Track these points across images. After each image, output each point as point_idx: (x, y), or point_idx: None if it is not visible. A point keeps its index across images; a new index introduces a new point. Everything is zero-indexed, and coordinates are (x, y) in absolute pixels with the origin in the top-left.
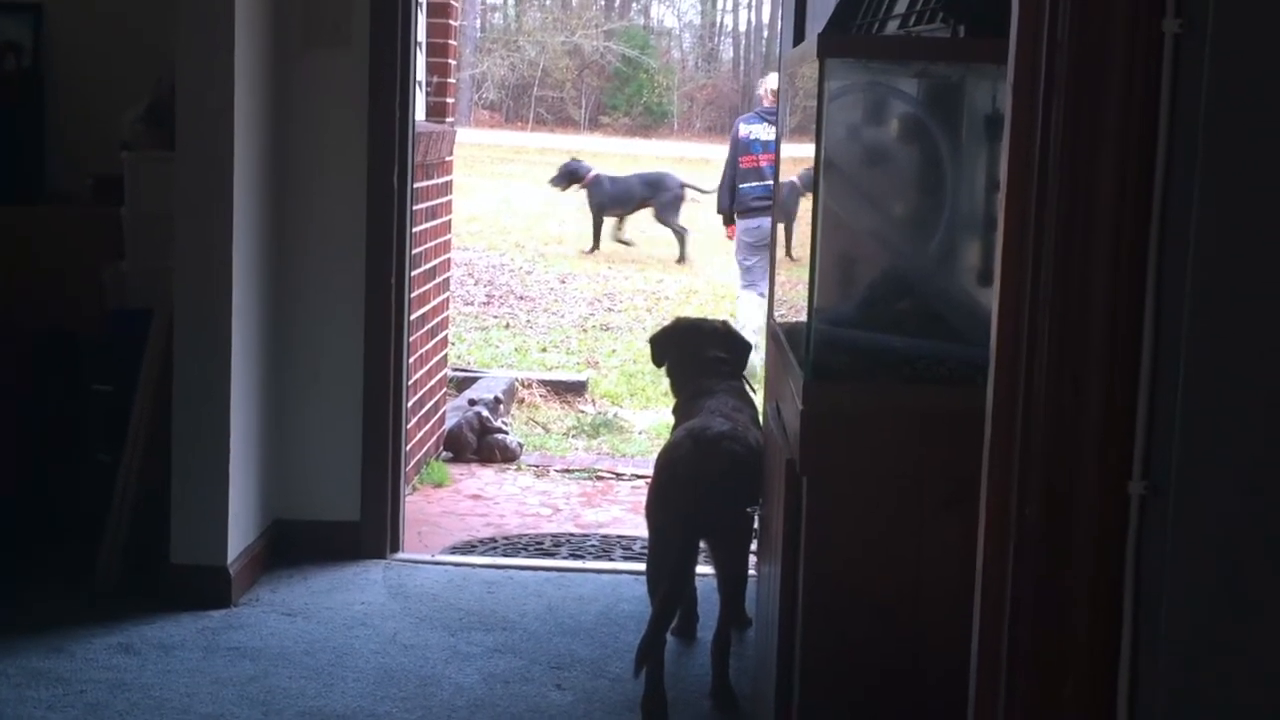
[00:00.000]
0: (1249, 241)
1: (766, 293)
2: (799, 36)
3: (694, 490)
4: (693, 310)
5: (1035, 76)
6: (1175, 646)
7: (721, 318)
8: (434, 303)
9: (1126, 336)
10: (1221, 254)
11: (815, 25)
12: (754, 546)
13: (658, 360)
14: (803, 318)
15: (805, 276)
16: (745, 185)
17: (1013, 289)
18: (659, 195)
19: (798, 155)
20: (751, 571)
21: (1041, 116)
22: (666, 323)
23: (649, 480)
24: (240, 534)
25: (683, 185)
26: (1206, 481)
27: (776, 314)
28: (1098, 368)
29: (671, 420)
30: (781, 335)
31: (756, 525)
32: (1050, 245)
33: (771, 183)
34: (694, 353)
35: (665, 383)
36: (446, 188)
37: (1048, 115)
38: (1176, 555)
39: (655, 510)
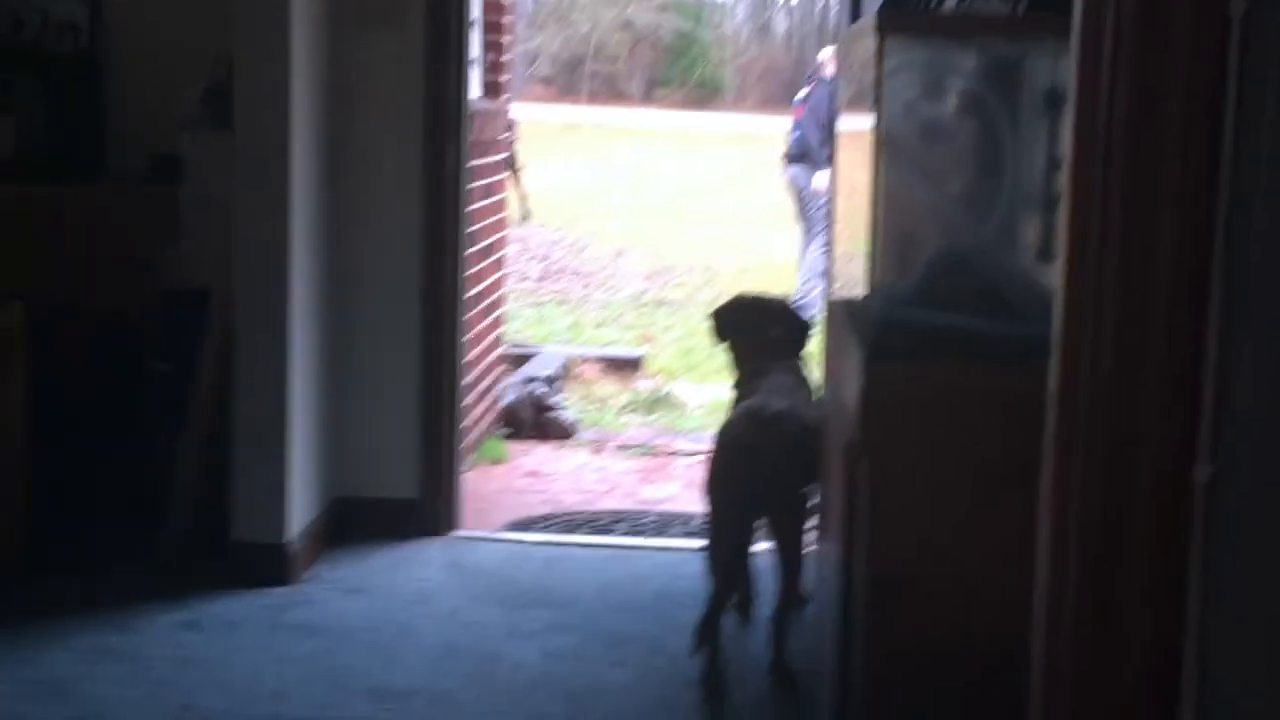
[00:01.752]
0: None
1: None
2: (855, 10)
3: (751, 469)
4: (749, 286)
5: (1099, 58)
6: (1243, 638)
7: (781, 295)
8: (489, 280)
9: (1192, 316)
10: None
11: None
12: (812, 524)
13: (718, 336)
14: (860, 294)
15: (864, 253)
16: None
17: (1077, 270)
18: None
19: (854, 129)
20: (809, 550)
21: (1106, 97)
22: (728, 298)
23: (706, 458)
24: (300, 512)
25: None
26: (1274, 465)
27: (836, 291)
28: (1162, 348)
29: (728, 396)
30: (841, 312)
31: (815, 503)
32: (1115, 226)
33: (797, 134)
34: (754, 330)
35: (721, 358)
36: (500, 165)
37: (1112, 96)
38: (1245, 542)
39: (713, 488)
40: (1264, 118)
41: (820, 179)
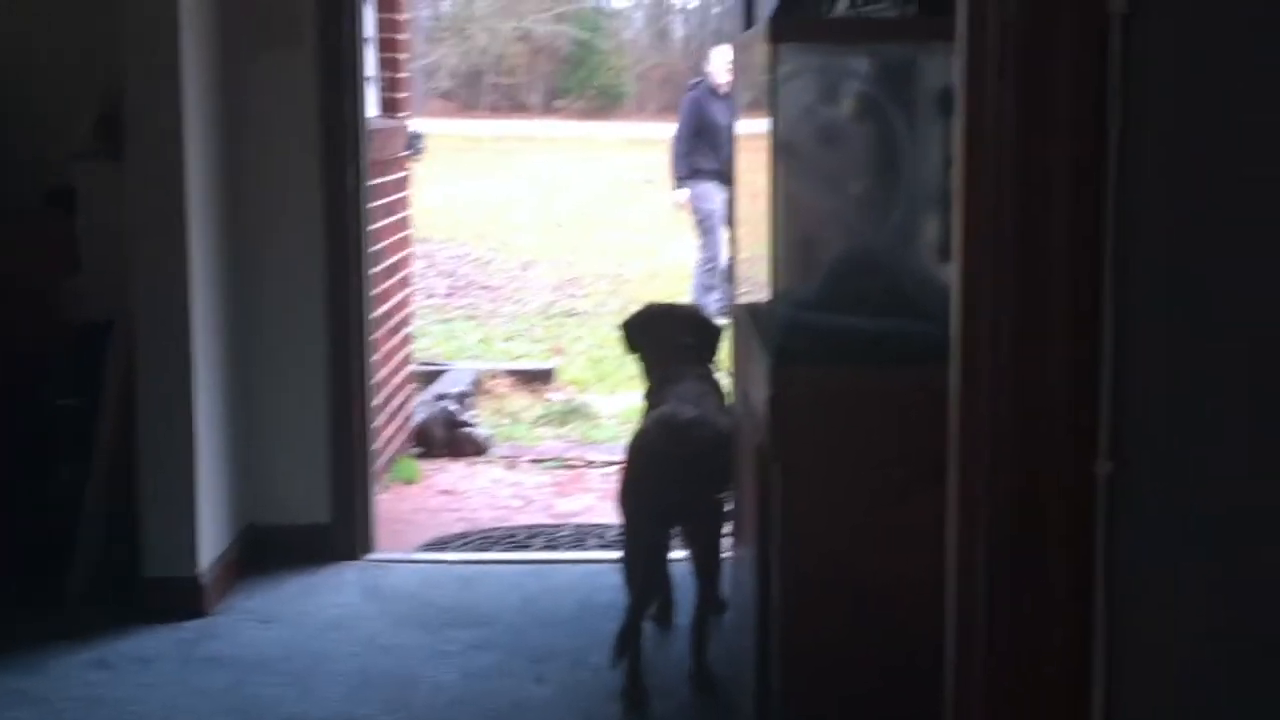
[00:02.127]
0: (1201, 211)
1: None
2: (748, 14)
3: (664, 477)
4: (657, 292)
5: (984, 59)
6: (1148, 626)
7: (692, 303)
8: (396, 299)
9: (1088, 311)
10: (1175, 225)
11: (765, 2)
12: (727, 530)
13: (630, 347)
14: (764, 299)
15: (766, 256)
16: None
17: (973, 269)
18: None
19: (752, 132)
20: (725, 556)
21: (993, 96)
22: (638, 308)
23: (620, 468)
24: (211, 543)
25: None
26: (1174, 457)
27: (740, 296)
28: (1061, 344)
29: (641, 405)
30: (745, 317)
31: (729, 509)
32: (1007, 223)
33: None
34: (664, 339)
35: (633, 367)
36: (403, 183)
37: (999, 95)
38: (1145, 533)
39: (627, 498)
40: (1146, 113)
41: (681, 193)
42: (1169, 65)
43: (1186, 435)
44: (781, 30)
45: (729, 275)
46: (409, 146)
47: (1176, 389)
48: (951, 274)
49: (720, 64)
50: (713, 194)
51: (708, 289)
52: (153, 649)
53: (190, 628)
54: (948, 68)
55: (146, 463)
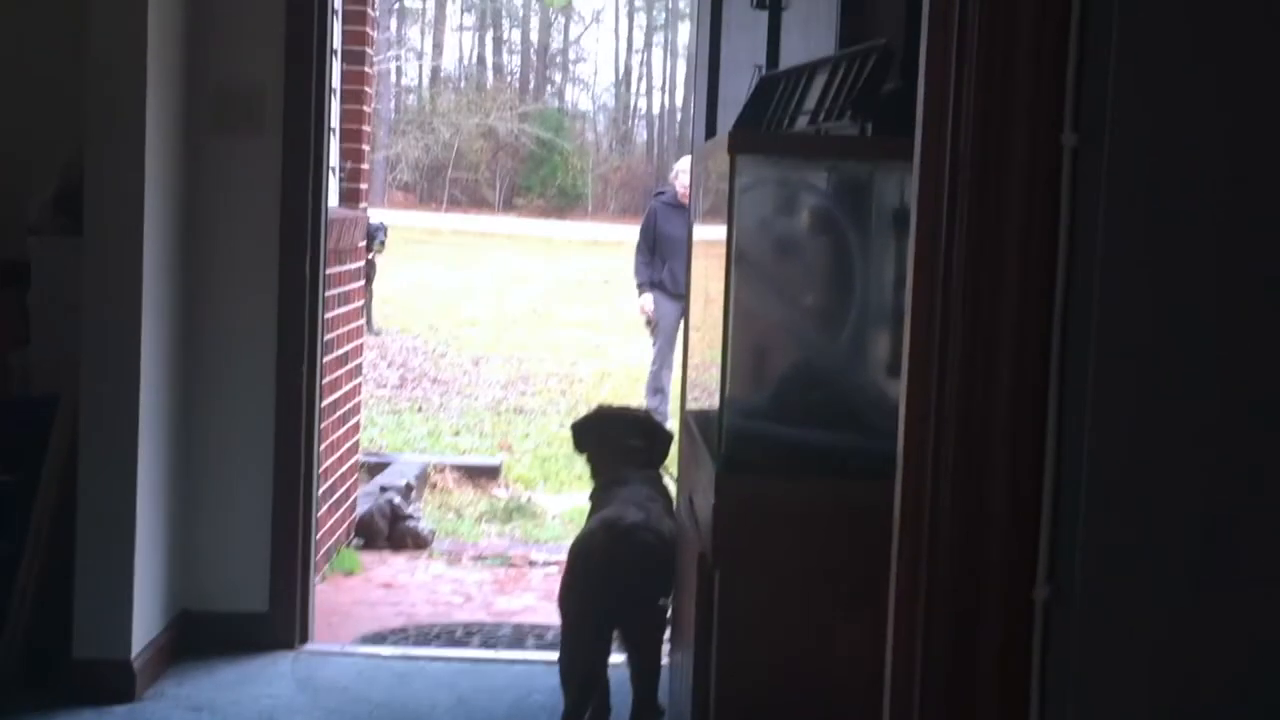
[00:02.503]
0: (1149, 339)
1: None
2: (711, 126)
3: (607, 580)
4: (608, 393)
5: (939, 184)
6: None
7: (643, 406)
8: (346, 388)
9: (1030, 439)
10: (1122, 357)
11: (727, 113)
12: (666, 636)
13: (578, 448)
14: (714, 405)
15: (717, 363)
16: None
17: (918, 392)
18: None
19: (709, 239)
20: (664, 661)
21: (946, 222)
22: (588, 410)
23: (562, 569)
24: (145, 626)
25: None
26: (1111, 586)
27: (690, 401)
28: (1002, 470)
29: (586, 506)
30: (693, 424)
31: (669, 615)
32: (955, 345)
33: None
34: (613, 441)
35: (580, 467)
36: (358, 273)
37: (951, 221)
38: (1080, 656)
39: (568, 600)
40: (1095, 241)
41: (646, 300)
42: (1119, 196)
43: (1126, 563)
44: (742, 142)
45: (653, 388)
46: (370, 238)
47: (1117, 516)
48: (899, 390)
49: (686, 174)
50: (662, 303)
51: (657, 391)
52: None
53: (119, 713)
54: (903, 187)
55: (83, 541)
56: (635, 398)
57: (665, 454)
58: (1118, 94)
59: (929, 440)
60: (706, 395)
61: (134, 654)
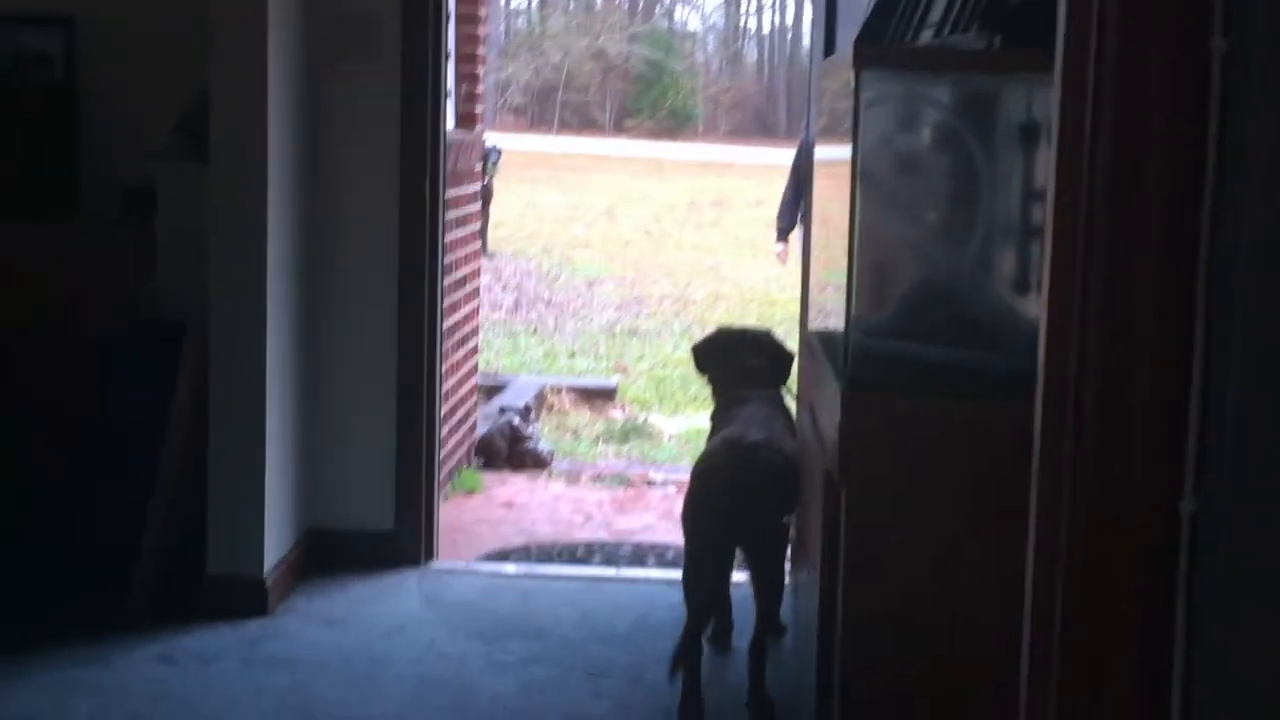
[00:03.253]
0: None
1: None
2: (829, 43)
3: (730, 498)
4: (722, 315)
5: (1082, 93)
6: (1228, 672)
7: (764, 326)
8: (465, 310)
9: (1176, 352)
10: (1271, 268)
11: (845, 30)
12: (789, 554)
13: (699, 369)
14: (838, 325)
15: (840, 283)
16: None
17: (1060, 306)
18: None
19: (831, 159)
20: (787, 579)
21: (1089, 132)
22: (708, 332)
23: (685, 488)
24: (276, 544)
25: None
26: (1261, 499)
27: (811, 321)
28: (1147, 383)
29: (702, 427)
30: (817, 343)
31: (792, 533)
32: (1098, 259)
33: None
34: (734, 361)
35: (694, 388)
36: (475, 196)
37: (1095, 133)
38: (1228, 575)
39: (691, 518)
40: (1246, 153)
41: (782, 250)
42: (1270, 105)
43: (1275, 477)
44: (866, 57)
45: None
46: (486, 160)
47: (1266, 427)
48: (1028, 307)
49: None
50: None
51: None
52: (215, 647)
53: (252, 627)
54: (1031, 100)
55: (215, 463)
56: (749, 318)
57: (787, 373)
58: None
59: (1070, 352)
60: (828, 316)
61: (266, 570)
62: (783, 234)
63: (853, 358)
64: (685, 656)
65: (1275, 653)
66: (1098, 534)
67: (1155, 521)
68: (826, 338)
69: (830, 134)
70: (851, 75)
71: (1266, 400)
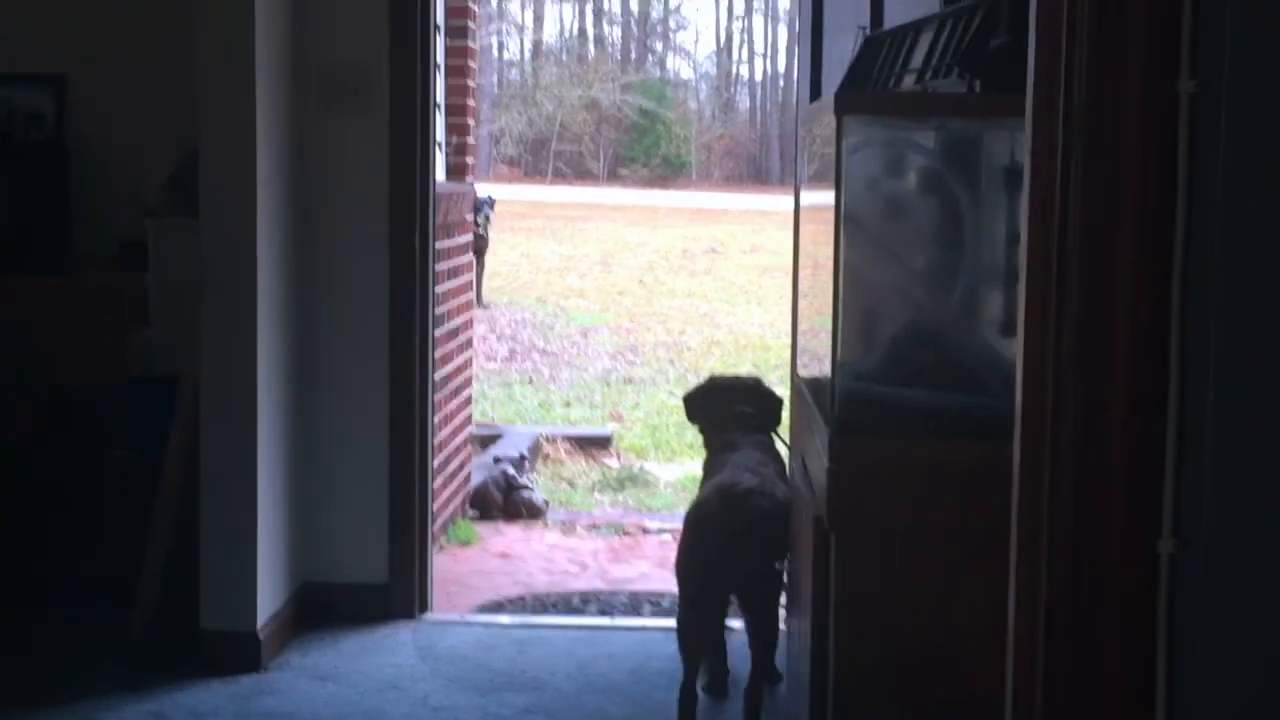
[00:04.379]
0: (1269, 294)
1: None
2: (815, 89)
3: (723, 545)
4: (716, 362)
5: (1053, 136)
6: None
7: (754, 375)
8: (457, 361)
9: (1152, 391)
10: (1243, 306)
11: (831, 78)
12: (783, 600)
13: (690, 418)
14: (826, 370)
15: (828, 328)
16: None
17: (1036, 346)
18: None
19: (816, 204)
20: (782, 626)
21: (1060, 175)
22: (700, 380)
23: (678, 536)
24: (269, 598)
25: None
26: (1238, 538)
27: (800, 366)
28: (1123, 422)
29: (698, 474)
30: (805, 388)
31: (785, 579)
32: (1073, 302)
33: None
34: (724, 408)
35: (690, 435)
36: (467, 247)
37: (1066, 175)
38: (1209, 613)
39: (685, 566)
40: (1215, 191)
41: None
42: (1238, 145)
43: (1252, 515)
44: (848, 103)
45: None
46: (477, 211)
47: (1243, 467)
48: (1013, 349)
49: None
50: None
51: None
52: (208, 703)
53: (246, 682)
54: (1013, 144)
55: (208, 516)
56: (744, 366)
57: (777, 419)
58: (1236, 38)
59: (1048, 392)
60: (817, 361)
61: (259, 625)
62: None
63: (839, 402)
64: (684, 704)
65: (1254, 688)
66: (1077, 574)
67: (1134, 561)
68: (815, 384)
69: (814, 179)
70: (834, 120)
71: (1242, 438)
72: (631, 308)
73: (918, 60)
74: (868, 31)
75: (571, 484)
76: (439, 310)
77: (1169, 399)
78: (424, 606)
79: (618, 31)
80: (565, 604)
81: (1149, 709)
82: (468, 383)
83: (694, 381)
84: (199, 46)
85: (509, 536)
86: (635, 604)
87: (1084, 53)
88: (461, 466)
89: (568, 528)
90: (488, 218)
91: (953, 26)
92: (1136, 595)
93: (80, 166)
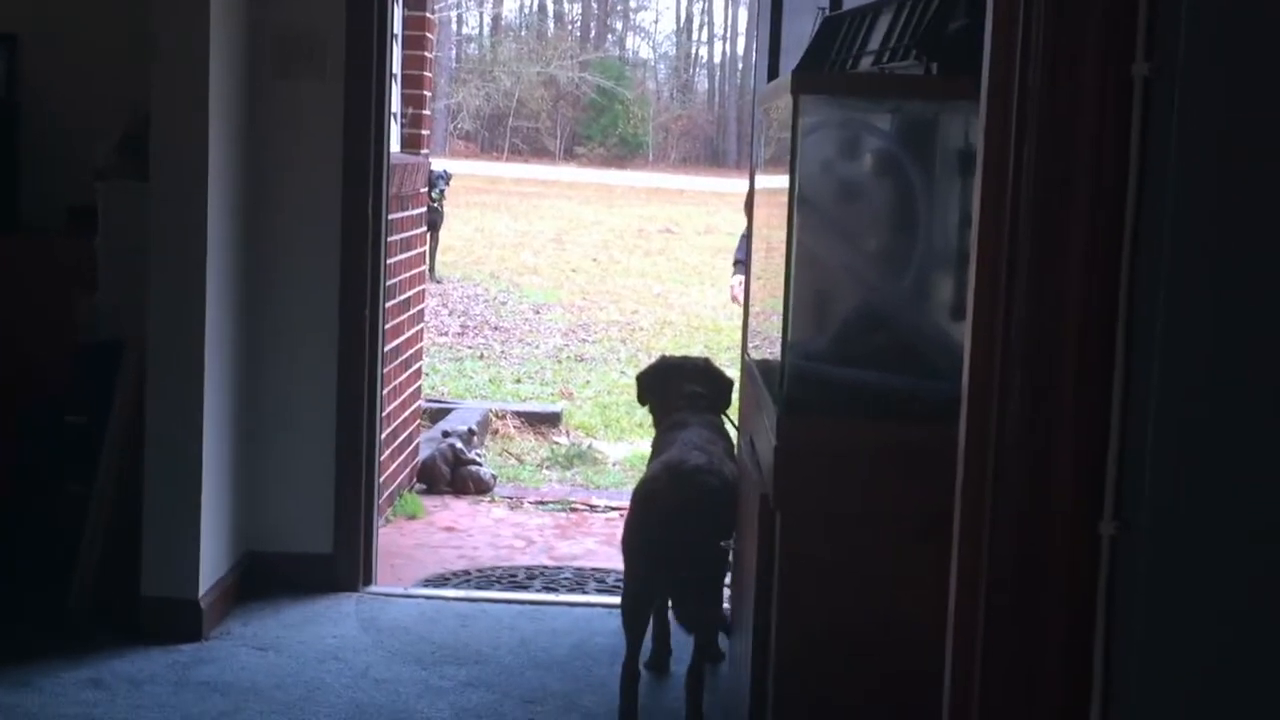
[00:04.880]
0: (1219, 280)
1: None
2: (773, 70)
3: (670, 523)
4: (668, 342)
5: (1007, 119)
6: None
7: (704, 355)
8: (408, 334)
9: (1098, 375)
10: (1192, 292)
11: (789, 59)
12: (728, 579)
13: (642, 398)
14: (776, 352)
15: (779, 310)
16: None
17: (985, 328)
18: None
19: (771, 186)
20: (725, 604)
21: (1014, 158)
22: (652, 361)
23: (625, 513)
24: (212, 566)
25: None
26: (1179, 519)
27: (750, 347)
28: (1069, 405)
29: (646, 453)
30: (755, 369)
31: (731, 558)
32: (1022, 285)
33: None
34: (674, 388)
35: (639, 414)
36: (420, 219)
37: (1019, 157)
38: (1147, 594)
39: (631, 542)
40: (1167, 174)
41: (738, 282)
42: (1192, 129)
43: (1193, 498)
44: (805, 82)
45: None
46: (431, 185)
47: (1185, 451)
48: (963, 332)
49: None
50: None
51: None
52: (147, 670)
53: (186, 651)
54: (968, 126)
55: (151, 483)
56: (696, 347)
57: (727, 399)
58: (1191, 22)
59: (994, 374)
60: (768, 344)
61: (201, 593)
62: (739, 266)
63: (789, 381)
64: (626, 682)
65: (1191, 668)
66: (1019, 554)
67: (1076, 542)
68: (765, 365)
69: (770, 160)
70: (790, 100)
71: (1185, 423)
72: (585, 286)
73: (876, 42)
74: (827, 12)
75: (520, 460)
76: (391, 281)
77: (1114, 383)
78: (368, 579)
79: (578, 9)
80: (510, 579)
81: (1086, 688)
82: (418, 356)
83: (646, 361)
84: (153, 8)
85: (456, 511)
86: (580, 580)
87: (1040, 36)
88: (410, 440)
89: (515, 503)
90: (443, 192)
91: (911, 9)
92: (1078, 576)
93: (30, 127)
